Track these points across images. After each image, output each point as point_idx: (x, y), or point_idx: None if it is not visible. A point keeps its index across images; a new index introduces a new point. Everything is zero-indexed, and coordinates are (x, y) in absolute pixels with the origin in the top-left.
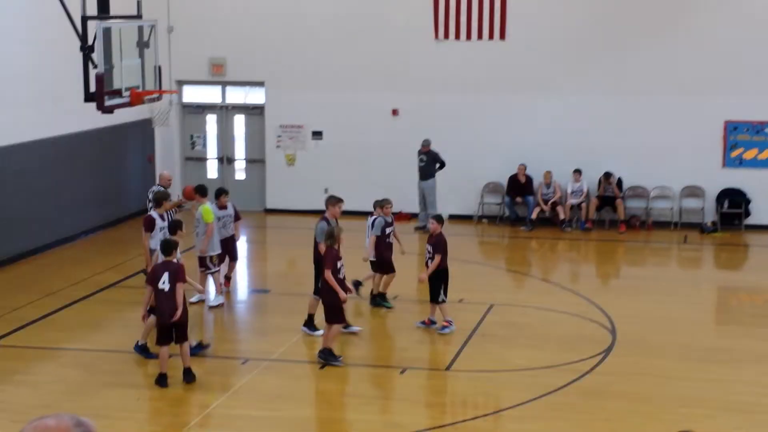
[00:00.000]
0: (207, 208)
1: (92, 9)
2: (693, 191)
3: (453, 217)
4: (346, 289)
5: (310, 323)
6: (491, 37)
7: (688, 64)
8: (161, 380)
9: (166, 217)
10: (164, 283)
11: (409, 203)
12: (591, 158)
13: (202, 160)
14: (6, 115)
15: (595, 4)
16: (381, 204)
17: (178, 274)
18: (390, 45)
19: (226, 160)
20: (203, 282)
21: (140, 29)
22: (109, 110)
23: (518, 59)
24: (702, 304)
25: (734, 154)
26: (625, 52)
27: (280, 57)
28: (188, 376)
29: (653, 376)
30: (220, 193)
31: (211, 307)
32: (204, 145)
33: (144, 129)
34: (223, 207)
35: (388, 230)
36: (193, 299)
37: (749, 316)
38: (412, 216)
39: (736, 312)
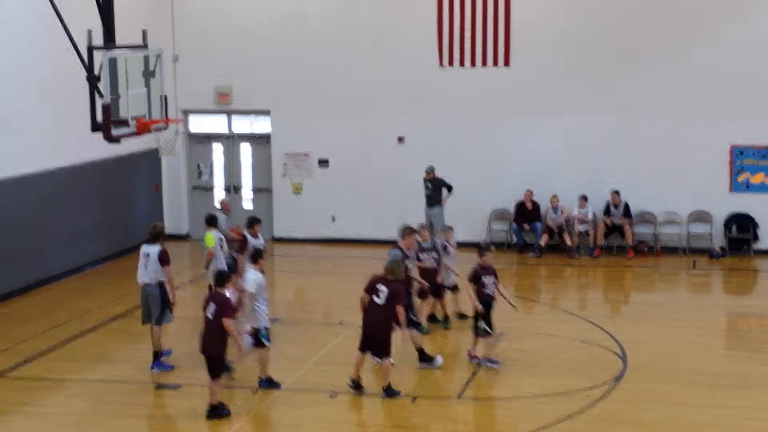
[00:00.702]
0: (210, 235)
1: (98, 39)
2: (701, 216)
3: (460, 245)
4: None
5: (423, 356)
6: (495, 63)
7: (694, 89)
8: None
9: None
10: (210, 313)
11: None
12: (598, 183)
13: (209, 189)
14: (13, 146)
15: (600, 29)
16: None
17: (223, 308)
18: (395, 72)
19: (233, 189)
20: None
21: (146, 59)
22: (115, 140)
23: (523, 85)
24: (712, 330)
25: (741, 178)
26: (630, 76)
27: (286, 86)
28: (211, 413)
29: (664, 402)
30: (254, 222)
31: None
32: (211, 174)
33: (151, 158)
34: (255, 236)
35: (422, 256)
36: None
37: (759, 342)
38: None
39: (746, 337)
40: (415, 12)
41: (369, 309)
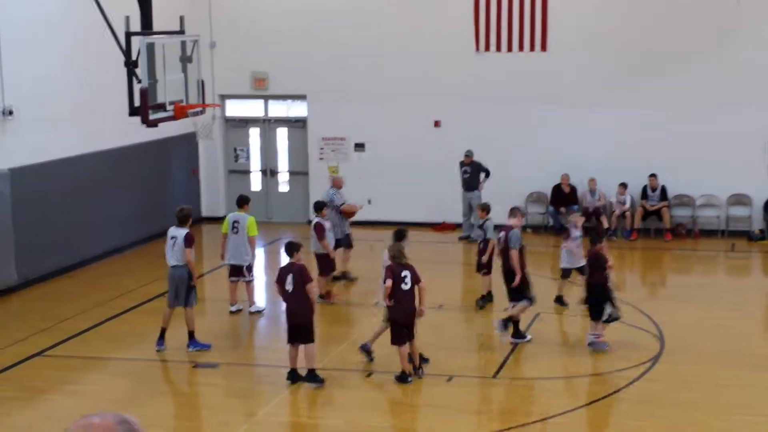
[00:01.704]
0: (252, 220)
1: (136, 25)
2: (739, 199)
3: (498, 227)
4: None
5: (517, 331)
6: (532, 48)
7: (732, 74)
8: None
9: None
10: (289, 284)
11: (453, 213)
12: (635, 168)
13: (246, 172)
14: (52, 131)
15: (638, 17)
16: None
17: (303, 276)
18: (431, 57)
19: (269, 173)
20: (237, 291)
21: (183, 44)
22: (153, 124)
23: (559, 71)
24: (751, 312)
25: None
26: (668, 63)
27: (322, 70)
28: (305, 377)
29: (702, 383)
30: (322, 206)
31: (252, 313)
32: (247, 158)
33: (188, 142)
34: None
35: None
36: (232, 309)
37: None
38: (456, 226)
39: None
40: None
41: (402, 299)
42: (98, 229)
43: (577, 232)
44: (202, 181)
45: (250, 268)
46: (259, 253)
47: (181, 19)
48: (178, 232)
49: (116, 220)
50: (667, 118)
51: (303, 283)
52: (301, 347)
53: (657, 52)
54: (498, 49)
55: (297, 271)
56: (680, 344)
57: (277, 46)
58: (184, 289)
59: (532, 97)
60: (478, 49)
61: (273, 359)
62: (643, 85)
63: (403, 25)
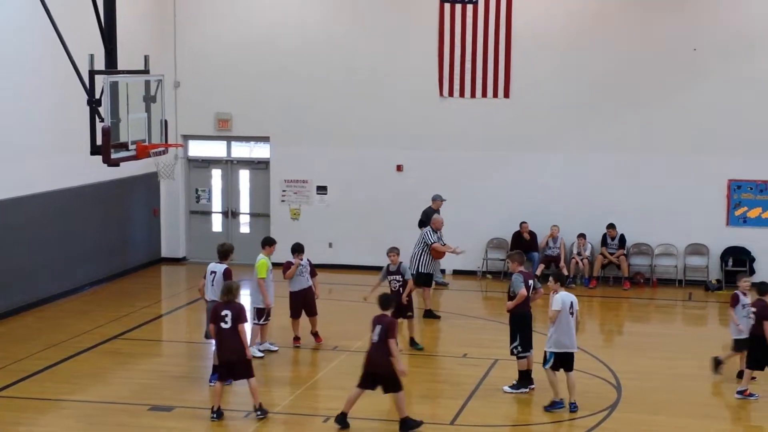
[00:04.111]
0: (263, 261)
1: (100, 63)
2: (697, 249)
3: (457, 273)
4: None
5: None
6: (495, 95)
7: (691, 123)
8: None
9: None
10: (377, 334)
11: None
12: (595, 215)
13: (208, 213)
14: (13, 167)
15: (599, 64)
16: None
17: (388, 330)
18: (395, 102)
19: (231, 214)
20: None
21: (147, 83)
22: (115, 163)
23: (522, 117)
24: (707, 362)
25: (738, 212)
26: (628, 110)
27: (286, 113)
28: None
29: None
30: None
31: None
32: (209, 199)
33: (149, 182)
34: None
35: (390, 278)
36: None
37: (753, 374)
38: None
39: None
40: (415, 42)
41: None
42: (55, 268)
43: (746, 299)
44: (162, 222)
45: (259, 312)
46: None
47: (146, 58)
48: (218, 267)
49: (74, 260)
50: (627, 166)
51: (387, 336)
52: (385, 394)
53: (618, 99)
54: (462, 94)
55: (385, 323)
56: (636, 393)
57: (242, 88)
58: None
59: (495, 143)
60: (441, 94)
61: (233, 404)
62: (604, 133)
63: (368, 70)
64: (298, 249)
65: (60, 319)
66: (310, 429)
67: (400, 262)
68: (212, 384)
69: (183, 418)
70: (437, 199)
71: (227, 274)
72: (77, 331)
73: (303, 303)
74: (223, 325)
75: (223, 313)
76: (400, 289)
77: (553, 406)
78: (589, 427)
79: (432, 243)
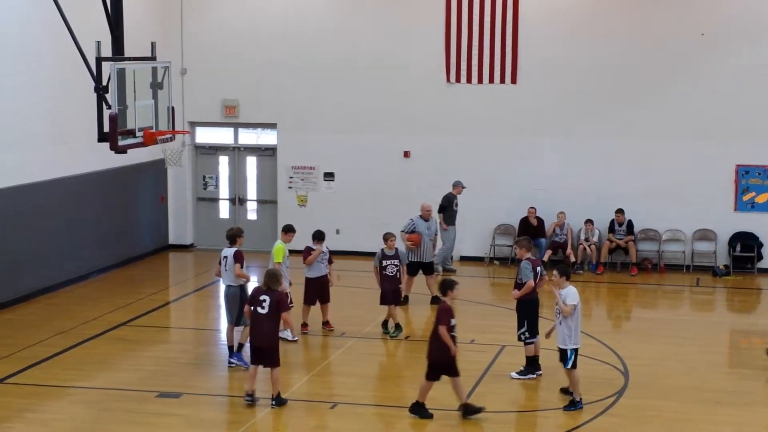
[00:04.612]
0: (280, 246)
1: (107, 50)
2: (705, 234)
3: (464, 259)
4: None
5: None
6: (503, 81)
7: (700, 108)
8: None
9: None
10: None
11: None
12: (602, 201)
13: (215, 200)
14: (20, 155)
15: (606, 50)
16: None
17: (440, 317)
18: (402, 88)
19: (238, 201)
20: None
21: (154, 70)
22: (122, 150)
23: (529, 103)
24: (714, 347)
25: (746, 197)
26: (635, 96)
27: (293, 99)
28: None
29: (666, 418)
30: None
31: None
32: (216, 186)
33: (157, 169)
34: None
35: (385, 263)
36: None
37: (762, 360)
38: None
39: (749, 355)
40: (423, 28)
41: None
42: (64, 255)
43: None
44: (170, 208)
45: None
46: None
47: (153, 45)
48: (228, 252)
49: (83, 246)
50: (634, 151)
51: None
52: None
53: (626, 84)
54: (468, 80)
55: (438, 310)
56: (644, 379)
57: (249, 75)
58: (236, 308)
59: (502, 129)
60: (449, 80)
61: (235, 389)
62: (612, 118)
63: (375, 56)
64: (319, 236)
65: (68, 306)
66: (318, 415)
67: (396, 248)
68: (232, 365)
69: (191, 404)
70: (458, 185)
71: (237, 257)
72: (85, 318)
73: (318, 290)
74: (260, 309)
75: (262, 297)
76: (397, 273)
77: (574, 406)
78: (597, 412)
79: (403, 231)
